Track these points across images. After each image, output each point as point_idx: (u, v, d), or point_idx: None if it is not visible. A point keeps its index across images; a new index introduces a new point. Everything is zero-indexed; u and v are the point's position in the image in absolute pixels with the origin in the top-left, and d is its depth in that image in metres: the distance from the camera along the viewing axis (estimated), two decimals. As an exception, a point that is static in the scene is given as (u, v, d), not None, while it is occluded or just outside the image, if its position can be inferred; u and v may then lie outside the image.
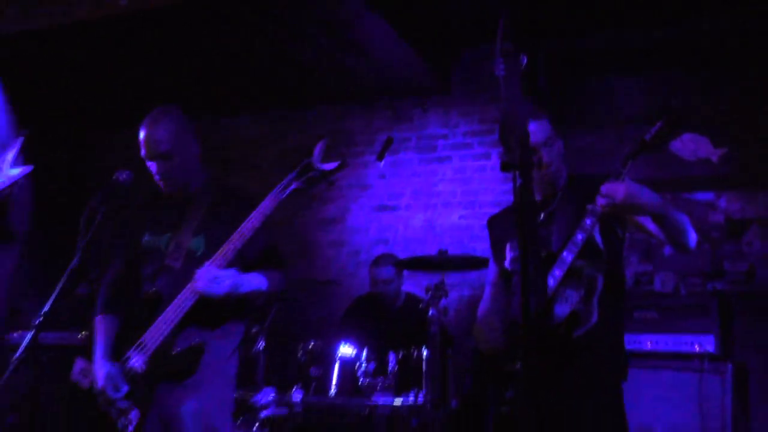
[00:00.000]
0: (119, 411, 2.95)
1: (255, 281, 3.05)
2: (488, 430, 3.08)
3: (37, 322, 3.13)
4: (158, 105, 3.22)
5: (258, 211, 2.89)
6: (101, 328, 3.17)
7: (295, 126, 6.88)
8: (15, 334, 4.72)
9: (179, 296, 2.93)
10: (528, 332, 2.40)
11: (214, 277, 2.86)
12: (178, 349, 2.93)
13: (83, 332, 4.69)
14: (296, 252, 6.38)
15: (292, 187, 2.89)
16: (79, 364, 3.13)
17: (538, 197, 3.13)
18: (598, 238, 2.97)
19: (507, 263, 3.20)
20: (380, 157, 5.86)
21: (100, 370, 3.01)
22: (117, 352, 3.06)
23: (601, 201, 2.80)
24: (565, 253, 2.92)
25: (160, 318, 2.95)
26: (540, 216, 3.06)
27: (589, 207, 2.89)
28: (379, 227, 6.54)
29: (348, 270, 6.52)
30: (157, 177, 3.15)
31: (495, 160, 6.23)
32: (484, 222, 6.01)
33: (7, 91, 5.49)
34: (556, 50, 5.88)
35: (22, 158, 3.20)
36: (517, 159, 2.13)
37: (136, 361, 2.95)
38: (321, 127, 6.78)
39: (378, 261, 5.45)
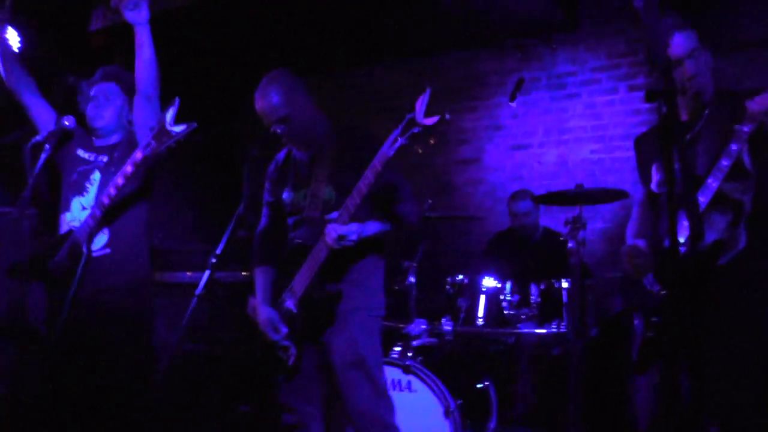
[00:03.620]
0: (280, 346, 3.11)
1: (377, 226, 3.11)
2: (631, 356, 3.01)
3: (212, 261, 3.29)
4: (299, 60, 3.25)
5: (370, 169, 2.88)
6: (260, 278, 3.32)
7: (429, 72, 6.82)
8: (186, 274, 4.98)
9: (316, 247, 3.03)
10: (674, 260, 2.31)
11: (338, 234, 2.91)
12: (318, 295, 3.04)
13: (244, 272, 4.89)
14: (436, 191, 6.38)
15: (398, 144, 2.83)
16: (251, 301, 3.29)
17: (683, 116, 2.95)
18: (746, 159, 2.79)
19: (653, 185, 3.05)
20: (512, 98, 5.72)
21: (262, 314, 3.18)
22: (276, 297, 3.22)
23: (754, 106, 2.61)
24: (710, 180, 2.77)
25: (303, 266, 3.07)
26: (686, 137, 2.89)
27: (737, 128, 2.71)
28: (513, 165, 6.45)
29: (486, 206, 6.49)
30: (283, 140, 3.22)
31: (623, 94, 6.01)
32: (615, 155, 5.93)
33: (167, 58, 5.69)
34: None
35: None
36: (662, 86, 2.01)
37: (290, 303, 3.11)
38: (454, 72, 6.71)
39: (516, 195, 5.40)
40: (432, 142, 2.85)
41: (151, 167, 3.52)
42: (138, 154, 3.24)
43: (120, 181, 3.27)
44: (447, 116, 2.76)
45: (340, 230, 2.91)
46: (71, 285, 3.30)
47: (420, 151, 2.84)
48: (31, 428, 3.94)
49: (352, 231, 2.95)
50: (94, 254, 3.38)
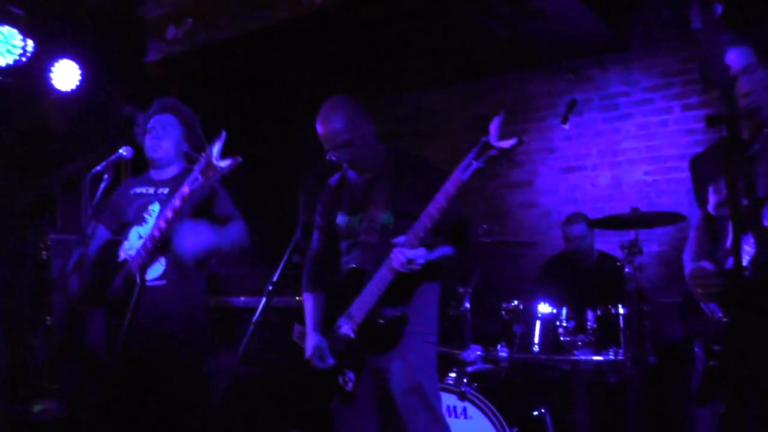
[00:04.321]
0: (339, 372, 3.10)
1: (441, 251, 3.09)
2: (690, 385, 2.91)
3: (269, 288, 3.31)
4: (351, 85, 3.27)
5: (442, 193, 2.85)
6: (310, 304, 3.33)
7: (480, 95, 6.82)
8: (240, 299, 5.02)
9: (379, 271, 3.01)
10: (739, 283, 2.23)
11: (408, 259, 2.90)
12: (383, 320, 3.02)
13: (299, 297, 4.91)
14: (489, 214, 6.35)
15: (473, 167, 2.80)
16: (297, 328, 3.29)
17: (744, 134, 2.85)
18: None
19: (710, 207, 2.96)
20: (565, 120, 5.63)
21: (310, 342, 3.19)
22: (327, 323, 3.21)
23: None
24: None
25: (364, 291, 3.05)
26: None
27: None
28: (567, 187, 6.37)
29: (541, 230, 6.42)
30: (345, 165, 3.25)
31: (677, 114, 5.90)
32: (670, 177, 5.81)
33: (221, 88, 5.80)
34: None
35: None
36: (724, 110, 1.96)
37: (347, 329, 3.08)
38: (504, 94, 6.69)
39: (570, 219, 5.34)
40: (508, 164, 2.83)
41: (201, 201, 3.56)
42: (185, 189, 3.28)
43: (169, 214, 3.32)
44: (524, 138, 2.74)
45: (408, 254, 2.90)
46: (126, 313, 3.37)
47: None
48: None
49: (420, 255, 2.93)
50: (151, 284, 3.46)
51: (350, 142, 3.15)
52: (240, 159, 3.21)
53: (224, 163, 3.19)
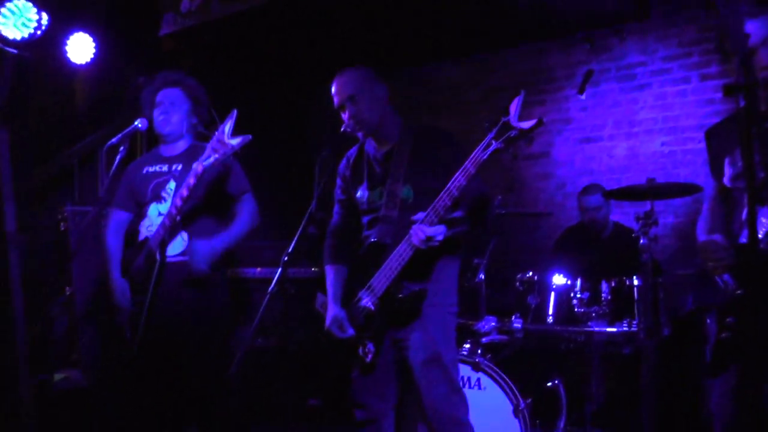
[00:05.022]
0: (359, 343, 3.12)
1: (461, 227, 3.08)
2: (704, 357, 2.91)
3: (284, 259, 3.34)
4: (366, 57, 3.28)
5: (461, 172, 2.83)
6: (331, 276, 3.34)
7: (496, 67, 6.77)
8: (256, 270, 5.05)
9: (399, 246, 3.00)
10: (753, 256, 2.22)
11: (427, 236, 2.89)
12: (402, 294, 3.02)
13: (314, 268, 4.94)
14: (504, 186, 6.31)
15: (492, 147, 2.78)
16: (320, 298, 3.31)
17: (761, 106, 2.82)
18: None
19: (726, 180, 2.93)
20: (581, 90, 5.59)
21: (330, 312, 3.21)
22: (347, 295, 3.23)
23: None
24: None
25: (384, 265, 3.05)
26: (763, 127, 2.76)
27: None
28: (583, 159, 6.33)
29: (556, 201, 6.40)
30: (349, 122, 3.22)
31: (695, 84, 5.83)
32: (687, 147, 5.75)
33: (235, 61, 5.77)
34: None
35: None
36: (741, 80, 1.93)
37: (368, 302, 3.09)
38: (521, 66, 6.64)
39: (587, 189, 5.31)
40: (528, 144, 2.80)
41: (214, 178, 3.60)
42: (198, 167, 3.34)
43: (185, 192, 3.36)
44: (544, 120, 2.72)
45: (428, 231, 2.89)
46: (149, 290, 3.41)
47: (512, 153, 2.78)
48: (115, 421, 4.07)
49: (440, 232, 2.92)
50: (172, 259, 3.50)
51: (354, 97, 3.17)
52: (250, 137, 3.28)
53: (235, 141, 3.27)
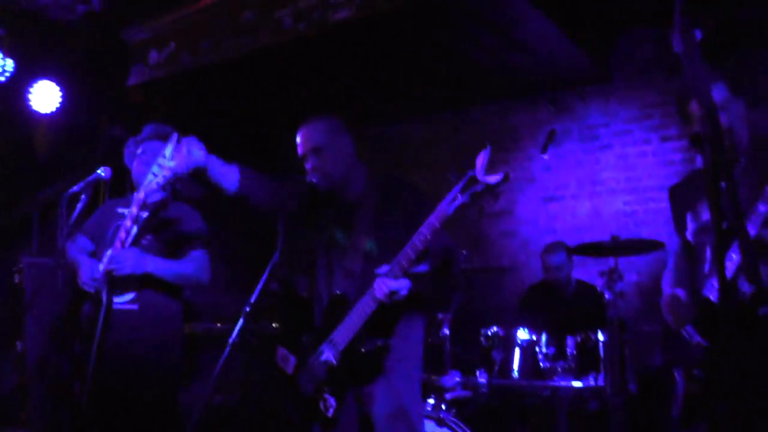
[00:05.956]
0: (320, 398, 3.04)
1: (427, 282, 3.04)
2: (673, 412, 2.90)
3: (246, 309, 3.27)
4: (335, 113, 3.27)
5: (426, 226, 2.82)
6: None
7: (463, 125, 6.85)
8: (216, 325, 4.96)
9: (362, 300, 2.96)
10: (722, 311, 2.22)
11: (390, 290, 2.86)
12: (365, 348, 2.97)
13: (275, 324, 4.87)
14: (469, 244, 6.32)
15: (458, 201, 2.76)
16: (280, 351, 3.23)
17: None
18: None
19: (689, 234, 2.97)
20: (544, 150, 5.68)
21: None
22: (309, 348, 3.15)
23: None
24: (748, 226, 2.68)
25: (347, 318, 3.00)
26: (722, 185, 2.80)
27: None
28: (547, 217, 6.40)
29: (520, 259, 6.43)
30: (312, 174, 3.16)
31: (656, 145, 5.97)
32: (649, 207, 5.84)
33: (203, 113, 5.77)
34: (712, 22, 5.48)
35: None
36: (707, 131, 1.95)
37: (329, 355, 3.03)
38: (487, 125, 6.73)
39: (549, 248, 5.34)
40: (494, 199, 2.78)
41: (164, 218, 3.54)
42: (140, 194, 3.18)
43: (128, 223, 3.19)
44: (510, 174, 2.72)
45: (391, 285, 2.86)
46: (95, 334, 3.27)
47: (478, 208, 2.76)
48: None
49: (403, 286, 2.89)
50: (121, 307, 3.38)
51: (320, 149, 3.13)
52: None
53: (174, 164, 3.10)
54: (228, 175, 3.02)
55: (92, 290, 3.34)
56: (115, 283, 3.27)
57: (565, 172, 6.34)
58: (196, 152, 2.91)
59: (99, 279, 3.30)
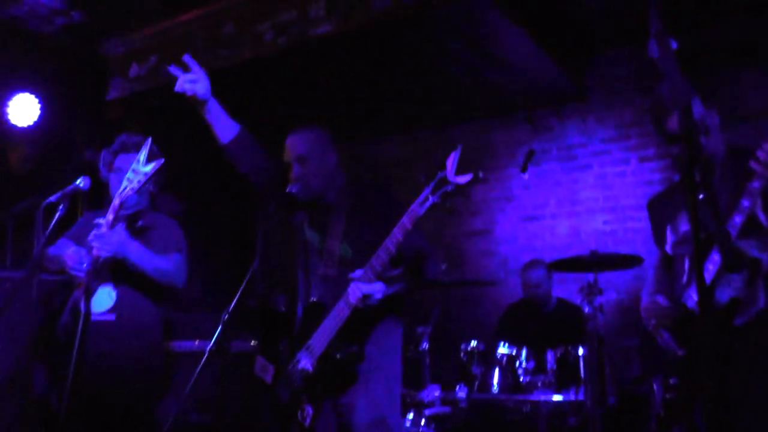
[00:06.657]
0: (297, 407, 3.01)
1: (400, 284, 3.04)
2: (650, 422, 2.91)
3: (225, 317, 3.23)
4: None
5: (399, 228, 2.83)
6: None
7: (440, 144, 6.86)
8: (194, 342, 4.89)
9: (337, 306, 2.95)
10: (701, 321, 2.24)
11: (364, 294, 2.86)
12: (341, 355, 2.96)
13: (253, 341, 4.82)
14: (448, 262, 6.33)
15: (429, 202, 2.79)
16: (259, 360, 3.20)
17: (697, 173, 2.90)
18: (760, 215, 2.72)
19: (668, 247, 3.00)
20: (524, 169, 5.72)
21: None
22: (287, 355, 3.13)
23: (757, 167, 2.57)
24: None
25: (323, 325, 2.99)
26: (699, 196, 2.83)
27: (748, 185, 2.66)
28: (526, 236, 6.42)
29: (498, 278, 6.41)
30: (294, 182, 3.14)
31: (635, 165, 6.02)
32: (628, 226, 5.88)
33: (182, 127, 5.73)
34: (684, 43, 5.56)
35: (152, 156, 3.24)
36: (682, 131, 1.98)
37: (306, 363, 3.01)
38: (465, 143, 6.67)
39: (528, 265, 5.37)
40: (464, 200, 2.80)
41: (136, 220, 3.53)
42: (116, 201, 3.23)
43: (104, 229, 3.23)
44: (480, 174, 2.75)
45: (364, 289, 2.86)
46: (74, 345, 3.22)
47: (448, 208, 2.78)
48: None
49: (377, 290, 2.89)
50: (99, 318, 3.32)
51: (305, 159, 3.14)
52: (162, 160, 3.19)
53: (149, 168, 3.17)
54: (225, 128, 3.18)
55: (81, 274, 3.29)
56: (98, 272, 3.26)
57: (544, 192, 6.37)
58: (202, 83, 3.05)
59: (86, 264, 3.26)
